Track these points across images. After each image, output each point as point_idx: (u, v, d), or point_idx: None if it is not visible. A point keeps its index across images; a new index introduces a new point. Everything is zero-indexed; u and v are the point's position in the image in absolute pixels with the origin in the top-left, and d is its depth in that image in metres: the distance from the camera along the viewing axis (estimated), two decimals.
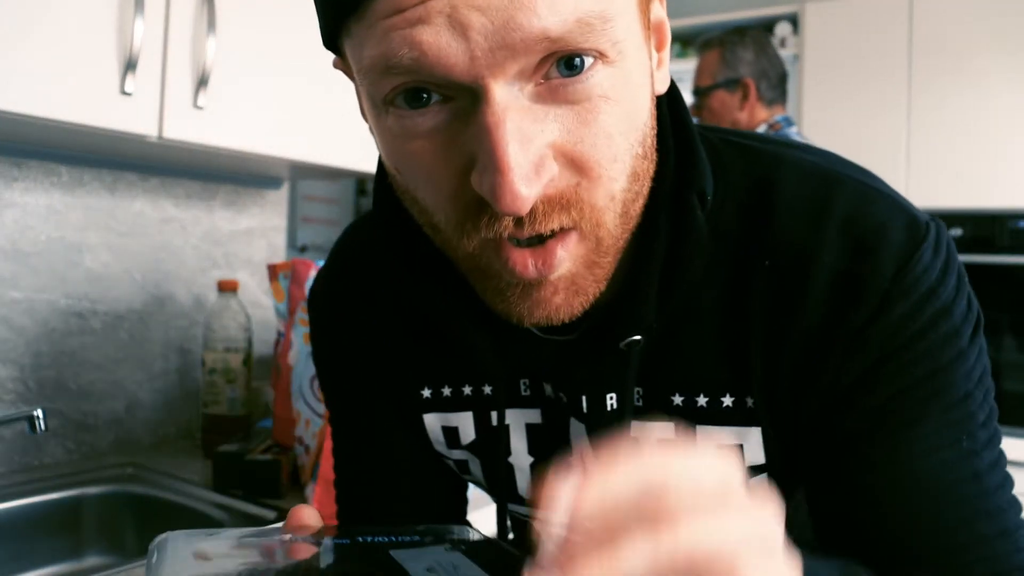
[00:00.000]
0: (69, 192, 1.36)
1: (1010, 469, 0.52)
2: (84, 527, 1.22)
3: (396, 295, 0.60)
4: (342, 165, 1.41)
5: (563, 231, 0.42)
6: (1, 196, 1.28)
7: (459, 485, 0.70)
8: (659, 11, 0.47)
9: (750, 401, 0.51)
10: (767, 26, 3.48)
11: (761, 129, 2.03)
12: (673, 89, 0.51)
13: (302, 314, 1.23)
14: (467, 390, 0.60)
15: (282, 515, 1.11)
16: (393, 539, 0.40)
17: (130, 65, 1.06)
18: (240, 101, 1.23)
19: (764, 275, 0.49)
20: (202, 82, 1.15)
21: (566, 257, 0.43)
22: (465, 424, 0.61)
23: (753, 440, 0.52)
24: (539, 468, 0.60)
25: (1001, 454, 0.50)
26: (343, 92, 1.39)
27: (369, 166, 1.46)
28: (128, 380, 1.45)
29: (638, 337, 0.49)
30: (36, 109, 0.99)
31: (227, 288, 1.42)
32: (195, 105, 1.15)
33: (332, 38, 0.44)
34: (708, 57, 2.06)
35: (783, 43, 3.42)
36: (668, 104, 0.51)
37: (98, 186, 1.40)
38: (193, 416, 1.54)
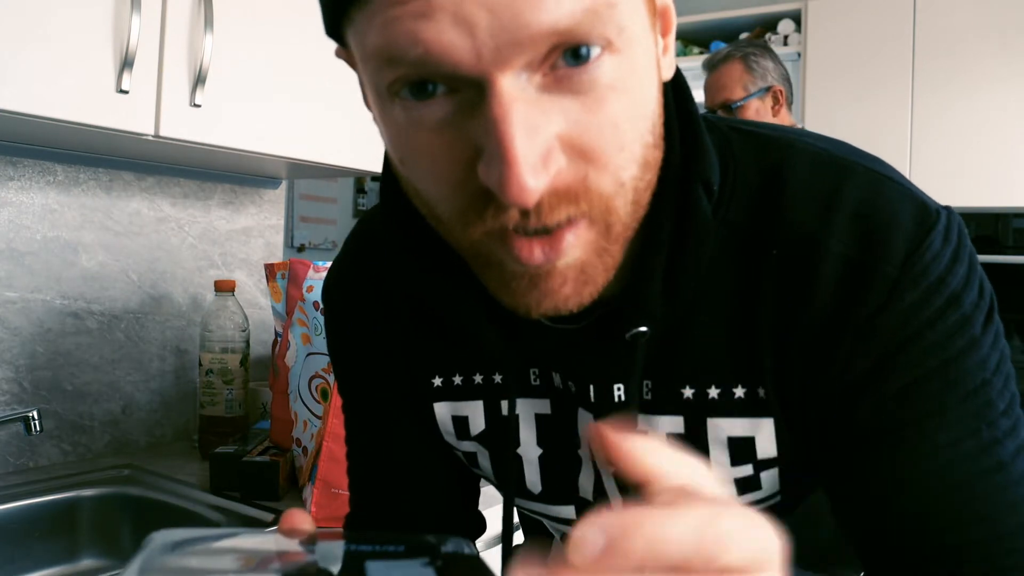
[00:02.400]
0: (65, 191, 1.35)
1: None
2: (80, 529, 1.21)
3: (405, 285, 0.60)
4: (340, 164, 1.40)
5: (570, 220, 0.41)
6: None
7: (470, 478, 0.70)
8: None
9: (761, 392, 0.50)
10: (770, 23, 3.46)
11: None
12: (678, 77, 0.51)
13: (300, 314, 1.22)
14: (478, 379, 0.60)
15: (280, 517, 1.10)
16: (376, 548, 0.39)
17: (127, 63, 1.05)
18: (237, 99, 1.22)
19: (773, 264, 0.49)
20: (199, 80, 1.14)
21: (575, 243, 0.42)
22: (475, 414, 0.61)
23: (765, 432, 0.51)
24: (547, 460, 0.59)
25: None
26: (341, 91, 1.38)
27: (367, 165, 1.45)
28: (124, 381, 1.44)
29: (644, 329, 0.49)
30: (32, 107, 0.98)
31: (224, 288, 1.41)
32: (192, 103, 1.14)
33: (335, 26, 0.43)
34: (729, 70, 2.05)
35: (786, 41, 3.40)
36: (673, 92, 0.50)
37: (94, 185, 1.39)
38: (190, 417, 1.53)
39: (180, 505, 1.18)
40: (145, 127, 1.10)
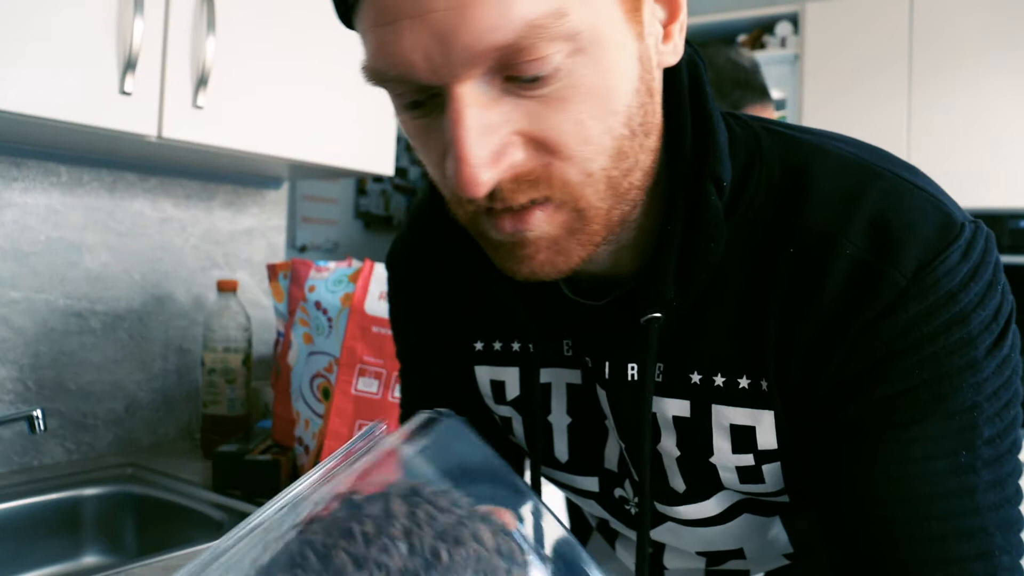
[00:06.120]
0: (68, 192, 1.36)
1: None
2: (83, 527, 1.22)
3: (451, 257, 0.65)
4: (342, 165, 1.41)
5: (535, 203, 0.45)
6: (0, 196, 1.27)
7: (510, 449, 0.72)
8: None
9: (764, 384, 0.51)
10: (767, 25, 3.47)
11: None
12: (694, 68, 0.52)
13: (302, 314, 1.23)
14: (515, 346, 0.63)
15: None
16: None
17: (130, 65, 1.06)
18: (240, 101, 1.23)
19: (788, 261, 0.49)
20: (202, 82, 1.15)
21: (544, 220, 0.46)
22: (511, 379, 0.64)
23: (766, 423, 0.52)
24: (575, 429, 0.62)
25: (1010, 474, 0.49)
26: (343, 92, 1.39)
27: (368, 166, 1.46)
28: (127, 380, 1.45)
29: (658, 315, 0.51)
30: (35, 109, 0.99)
31: (227, 288, 1.42)
32: (195, 105, 1.15)
33: (351, 26, 0.48)
34: None
35: (783, 43, 3.41)
36: (689, 84, 0.51)
37: (97, 186, 1.40)
38: (192, 416, 1.54)
39: (183, 503, 1.19)
40: (148, 129, 1.11)
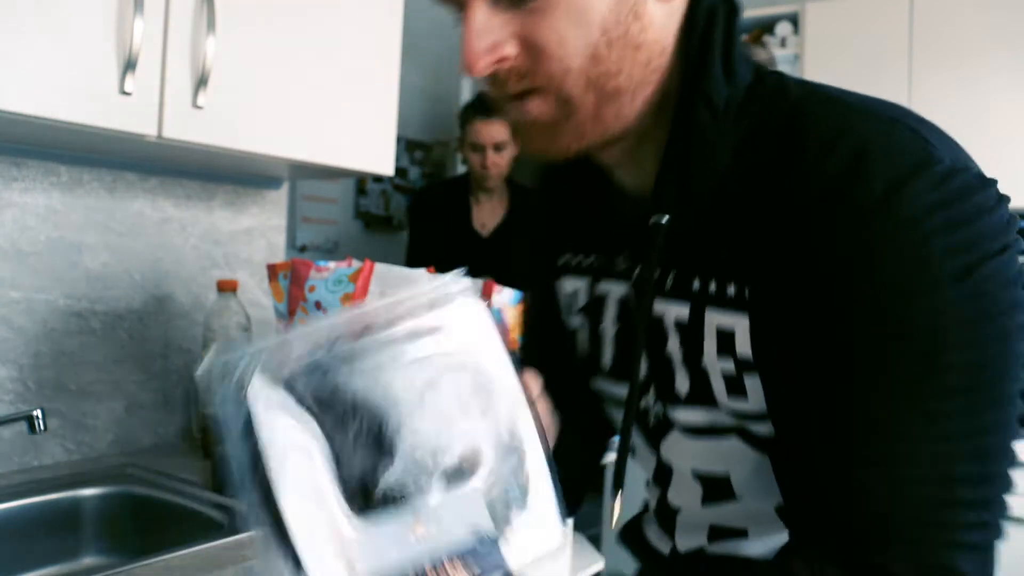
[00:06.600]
0: (68, 192, 1.36)
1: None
2: (83, 527, 1.22)
3: (550, 179, 0.80)
4: (342, 165, 1.41)
5: (529, 93, 0.57)
6: (0, 196, 1.27)
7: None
8: None
9: (747, 291, 0.56)
10: (767, 26, 3.47)
11: None
12: (714, 9, 0.60)
13: (302, 314, 1.23)
14: (590, 259, 0.72)
15: None
16: None
17: (130, 64, 1.06)
18: (240, 101, 1.23)
19: (779, 180, 0.55)
20: (202, 82, 1.15)
21: (537, 108, 0.58)
22: (581, 289, 0.73)
23: (742, 329, 0.57)
24: (618, 337, 0.69)
25: (972, 434, 0.50)
26: (343, 92, 1.39)
27: (368, 166, 1.46)
28: (127, 380, 1.45)
29: (664, 220, 0.60)
30: (35, 109, 0.99)
31: (226, 288, 1.42)
32: (195, 105, 1.15)
33: None
34: None
35: (783, 43, 3.41)
36: (704, 20, 0.60)
37: (97, 186, 1.40)
38: (192, 416, 1.54)
39: (183, 504, 1.19)
40: (148, 128, 1.11)
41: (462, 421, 0.47)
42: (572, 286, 0.74)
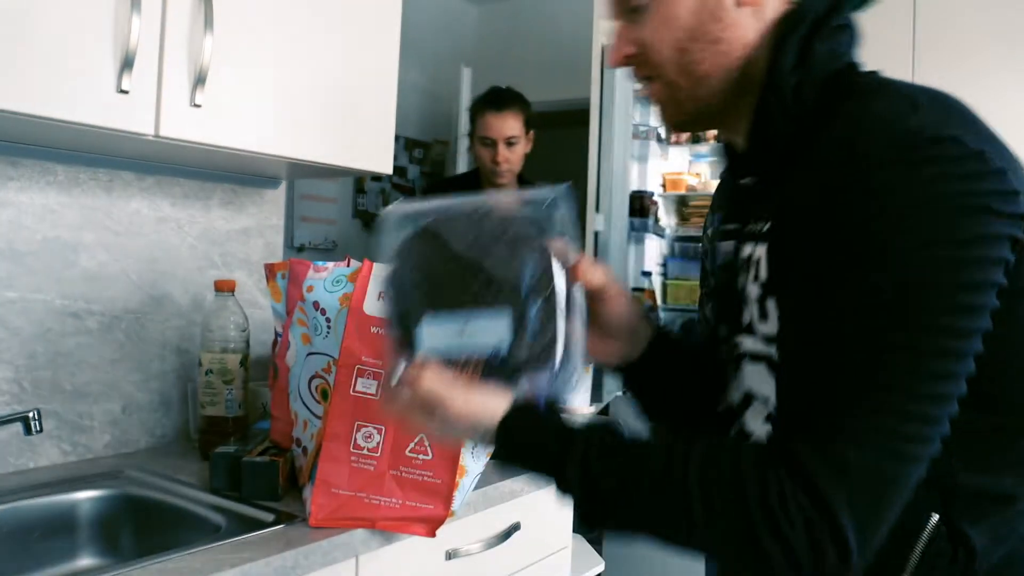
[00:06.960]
0: (65, 191, 1.35)
1: None
2: (80, 529, 1.21)
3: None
4: (340, 164, 1.41)
5: (649, 79, 0.78)
6: None
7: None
8: None
9: (769, 224, 0.71)
10: None
11: None
12: (797, 18, 0.72)
13: (300, 314, 1.22)
14: (729, 225, 0.84)
15: (280, 516, 1.10)
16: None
17: (127, 63, 1.05)
18: (238, 99, 1.22)
19: (813, 147, 0.68)
20: (199, 80, 1.14)
21: (656, 90, 0.78)
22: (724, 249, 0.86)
23: (760, 253, 0.72)
24: (718, 288, 0.84)
25: (904, 349, 0.59)
26: (341, 91, 1.38)
27: (367, 165, 1.45)
28: (124, 381, 1.44)
29: (746, 180, 0.79)
30: (32, 107, 0.99)
31: (224, 288, 1.41)
32: (192, 103, 1.14)
33: None
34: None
35: None
36: (787, 22, 0.73)
37: (94, 185, 1.39)
38: (190, 417, 1.53)
39: (180, 505, 1.18)
40: (145, 127, 1.10)
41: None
42: (706, 248, 0.91)
